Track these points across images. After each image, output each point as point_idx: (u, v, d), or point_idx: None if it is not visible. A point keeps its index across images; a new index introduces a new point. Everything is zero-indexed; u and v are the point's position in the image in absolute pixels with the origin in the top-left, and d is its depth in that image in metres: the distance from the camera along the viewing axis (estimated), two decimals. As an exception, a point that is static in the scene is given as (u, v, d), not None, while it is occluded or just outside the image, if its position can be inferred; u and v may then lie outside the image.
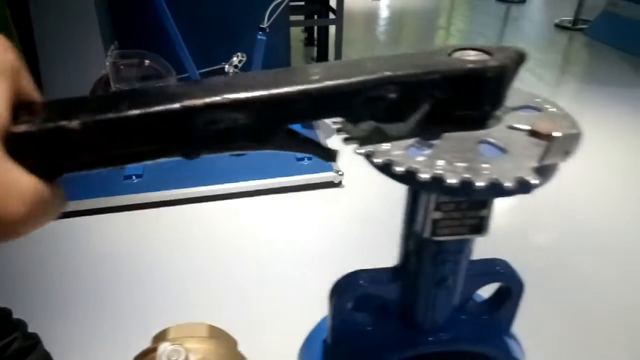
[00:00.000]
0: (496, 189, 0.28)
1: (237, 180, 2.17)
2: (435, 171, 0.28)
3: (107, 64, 2.08)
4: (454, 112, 0.30)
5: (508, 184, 0.28)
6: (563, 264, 1.82)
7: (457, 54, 0.33)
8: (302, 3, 3.68)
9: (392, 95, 0.28)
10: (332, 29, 3.28)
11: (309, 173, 2.22)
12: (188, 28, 2.18)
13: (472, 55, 0.32)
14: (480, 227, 0.35)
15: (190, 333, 0.47)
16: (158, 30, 2.10)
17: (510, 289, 0.42)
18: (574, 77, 3.82)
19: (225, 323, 0.69)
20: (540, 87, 3.46)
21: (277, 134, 0.29)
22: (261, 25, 2.06)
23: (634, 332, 1.52)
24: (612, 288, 1.69)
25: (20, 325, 1.09)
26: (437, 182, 0.28)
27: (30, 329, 1.09)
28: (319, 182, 2.24)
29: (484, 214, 0.34)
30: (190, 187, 2.12)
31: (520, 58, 0.33)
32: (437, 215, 0.34)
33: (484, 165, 0.29)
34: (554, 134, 0.30)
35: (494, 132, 0.32)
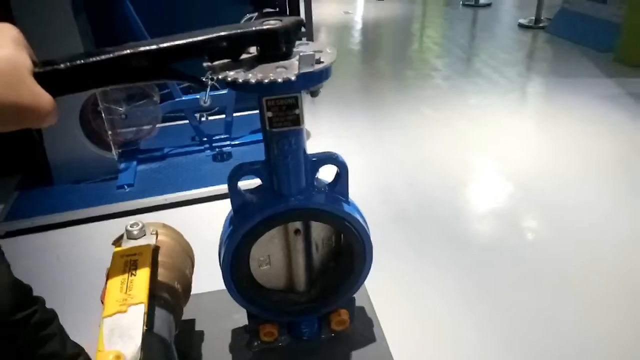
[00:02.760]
0: (275, 84, 0.52)
1: (222, 183, 2.34)
2: (246, 79, 0.49)
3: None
4: (264, 52, 0.52)
5: (279, 80, 0.51)
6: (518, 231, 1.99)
7: (264, 22, 0.54)
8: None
9: (224, 44, 0.50)
10: (305, 40, 3.48)
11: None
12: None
13: (271, 22, 0.53)
14: (297, 121, 0.55)
15: (149, 224, 0.66)
16: (137, 36, 2.29)
17: (340, 171, 0.62)
18: (538, 73, 4.04)
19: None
20: (506, 85, 3.68)
21: (169, 69, 0.50)
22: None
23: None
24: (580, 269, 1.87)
25: (40, 300, 1.24)
26: (246, 84, 0.49)
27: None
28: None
29: (298, 113, 0.54)
30: (179, 192, 2.29)
31: (299, 22, 0.56)
32: (270, 114, 0.54)
33: (271, 75, 0.50)
34: (302, 53, 0.52)
35: (286, 62, 0.52)
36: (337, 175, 0.65)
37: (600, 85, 3.51)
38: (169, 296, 0.62)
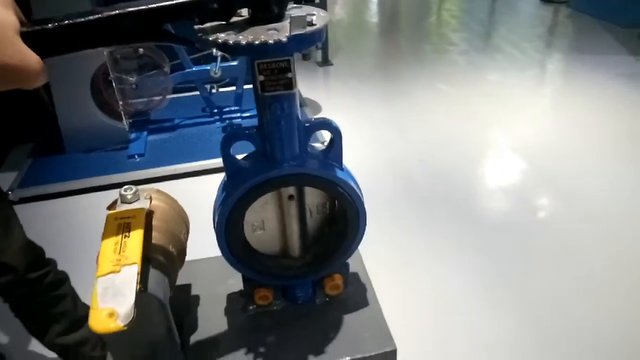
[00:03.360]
0: (266, 45, 0.51)
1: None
2: (237, 41, 0.48)
3: (105, 54, 2.26)
4: (256, 15, 0.50)
5: (270, 41, 0.51)
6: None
7: None
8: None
9: (215, 5, 0.49)
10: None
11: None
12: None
13: None
14: (290, 85, 0.54)
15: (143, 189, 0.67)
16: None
17: (334, 137, 0.61)
18: (558, 49, 3.94)
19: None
20: (525, 61, 3.59)
21: (159, 30, 0.49)
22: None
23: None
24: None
25: (52, 262, 1.28)
26: (237, 45, 0.51)
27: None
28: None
29: (290, 76, 0.53)
30: (189, 162, 2.31)
31: None
32: (262, 77, 0.54)
33: (262, 37, 0.48)
34: (292, 15, 0.50)
35: (277, 24, 0.53)
36: (331, 141, 0.65)
37: (622, 63, 3.41)
38: (163, 258, 0.63)
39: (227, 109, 2.69)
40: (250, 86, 0.62)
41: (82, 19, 0.49)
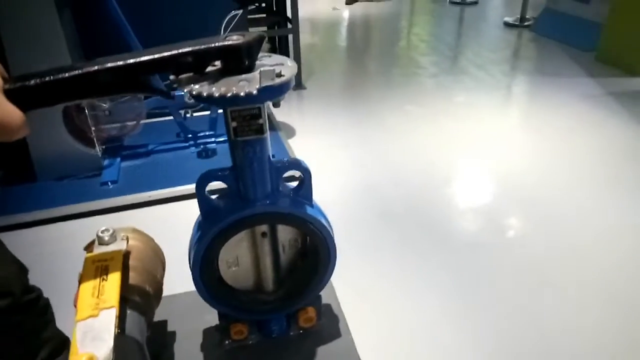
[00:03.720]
0: (244, 97, 0.55)
1: (205, 180, 2.36)
2: (210, 93, 0.52)
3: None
4: (228, 66, 0.54)
5: (242, 93, 0.52)
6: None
7: (227, 37, 0.56)
8: (264, 15, 3.91)
9: (189, 59, 0.52)
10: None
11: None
12: (149, 43, 2.38)
13: (234, 37, 0.55)
14: (261, 130, 0.58)
15: (119, 229, 0.69)
16: (124, 50, 2.30)
17: (304, 176, 0.65)
18: (522, 72, 4.09)
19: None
20: (491, 83, 3.72)
21: (137, 83, 0.52)
22: (218, 37, 2.26)
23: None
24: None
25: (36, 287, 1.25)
26: (210, 97, 0.52)
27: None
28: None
29: (261, 122, 0.57)
30: (163, 189, 2.30)
31: (260, 38, 0.58)
32: (234, 124, 0.57)
33: (234, 89, 0.52)
34: (262, 68, 0.54)
35: (249, 75, 0.55)
36: (302, 180, 0.69)
37: (582, 84, 3.57)
38: (140, 299, 0.65)
39: (201, 134, 2.71)
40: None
41: (63, 75, 0.51)
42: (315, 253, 0.73)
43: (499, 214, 2.19)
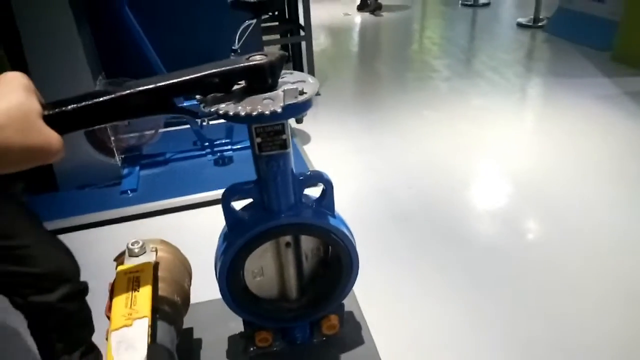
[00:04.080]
0: (263, 116, 0.57)
1: (222, 187, 2.39)
2: (237, 112, 0.54)
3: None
4: (252, 85, 0.56)
5: (267, 112, 0.55)
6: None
7: (251, 58, 0.58)
8: (277, 23, 3.95)
9: (217, 80, 0.54)
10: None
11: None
12: (166, 56, 2.43)
13: (257, 57, 0.57)
14: (284, 145, 0.60)
15: (148, 241, 0.71)
16: (140, 60, 2.35)
17: (326, 188, 0.67)
18: (536, 73, 4.07)
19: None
20: (505, 85, 3.71)
21: (167, 104, 0.55)
22: (233, 47, 2.29)
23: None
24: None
25: None
26: (237, 116, 0.54)
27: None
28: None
29: (284, 137, 0.59)
30: (181, 196, 2.34)
31: (282, 56, 0.60)
32: (259, 140, 0.59)
33: (259, 108, 0.54)
34: (286, 87, 0.56)
35: (272, 93, 0.57)
36: (324, 191, 0.71)
37: (598, 84, 3.54)
38: (169, 309, 0.68)
39: (218, 142, 2.74)
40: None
41: (97, 100, 0.54)
42: (337, 262, 0.75)
43: (515, 217, 2.18)
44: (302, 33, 3.54)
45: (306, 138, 3.03)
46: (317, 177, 0.70)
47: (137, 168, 2.60)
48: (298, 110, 0.60)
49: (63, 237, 2.17)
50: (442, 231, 2.12)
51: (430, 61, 4.41)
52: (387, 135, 3.03)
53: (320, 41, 5.23)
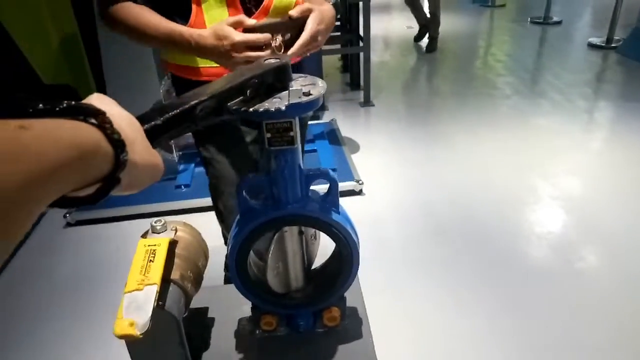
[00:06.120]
0: (274, 112, 0.62)
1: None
2: (253, 109, 0.59)
3: (161, 92, 2.49)
4: (267, 85, 0.61)
5: (273, 109, 0.58)
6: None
7: (267, 62, 0.63)
8: (338, 33, 4.05)
9: (256, 81, 0.59)
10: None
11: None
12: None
13: (273, 61, 0.62)
14: (292, 141, 0.64)
15: (171, 222, 0.79)
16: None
17: (331, 186, 0.71)
18: (605, 97, 3.88)
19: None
20: (569, 107, 3.55)
21: (223, 109, 0.60)
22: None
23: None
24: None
25: None
26: (246, 112, 0.59)
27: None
28: (341, 190, 2.51)
29: (292, 134, 0.64)
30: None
31: (289, 60, 0.63)
32: (269, 135, 0.64)
33: (266, 105, 0.59)
34: (292, 88, 0.61)
35: (282, 94, 0.62)
36: (329, 188, 0.76)
37: (672, 112, 3.33)
38: (181, 281, 0.75)
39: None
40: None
41: (179, 109, 0.56)
42: (338, 257, 0.80)
43: (564, 245, 2.10)
44: (360, 44, 3.61)
45: (355, 147, 3.08)
46: (323, 175, 0.75)
47: (192, 165, 2.76)
48: (302, 109, 0.65)
49: (119, 224, 2.38)
50: (479, 249, 2.09)
51: (492, 78, 4.33)
52: (437, 151, 3.02)
53: (379, 52, 5.27)
